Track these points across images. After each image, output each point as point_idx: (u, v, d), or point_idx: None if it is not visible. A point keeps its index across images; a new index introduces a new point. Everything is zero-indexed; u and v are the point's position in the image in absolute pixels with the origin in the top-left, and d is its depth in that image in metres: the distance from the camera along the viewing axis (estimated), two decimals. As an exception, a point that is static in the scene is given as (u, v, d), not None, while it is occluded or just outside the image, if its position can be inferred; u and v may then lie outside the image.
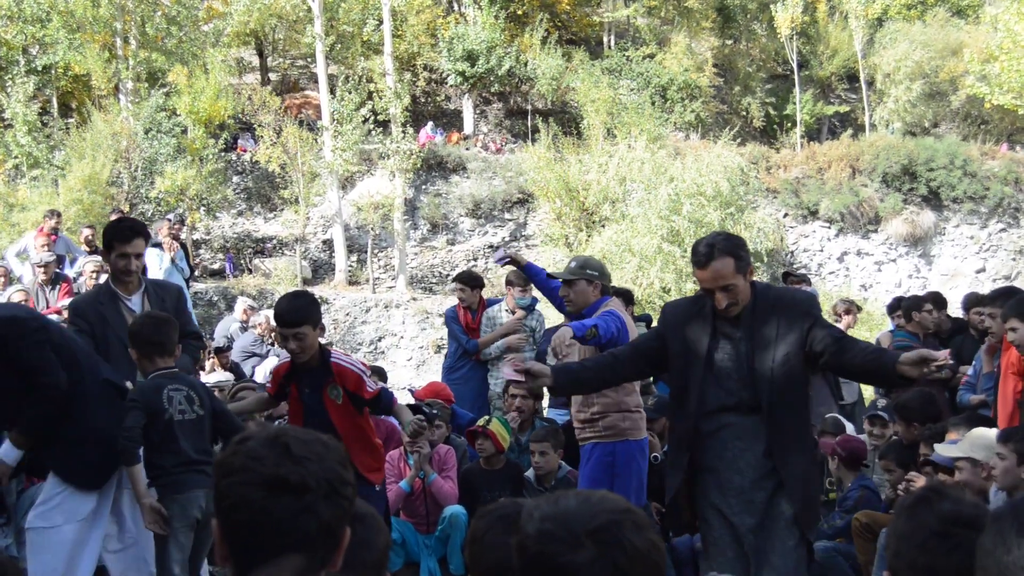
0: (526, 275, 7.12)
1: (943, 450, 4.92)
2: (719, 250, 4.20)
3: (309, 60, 31.39)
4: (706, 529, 4.34)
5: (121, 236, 5.54)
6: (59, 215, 13.68)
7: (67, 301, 10.69)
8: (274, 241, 25.54)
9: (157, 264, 12.62)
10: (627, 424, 5.76)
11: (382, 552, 2.18)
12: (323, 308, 22.19)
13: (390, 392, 5.23)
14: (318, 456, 1.74)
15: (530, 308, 8.77)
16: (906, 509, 2.20)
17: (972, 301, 8.49)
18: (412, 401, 7.65)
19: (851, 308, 10.06)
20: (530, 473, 6.55)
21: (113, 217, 13.74)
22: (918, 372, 3.88)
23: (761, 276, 21.45)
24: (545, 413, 8.70)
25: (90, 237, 13.18)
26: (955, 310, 9.99)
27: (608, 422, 5.73)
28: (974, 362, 7.00)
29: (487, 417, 6.78)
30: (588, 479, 5.79)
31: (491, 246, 26.67)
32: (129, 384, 5.01)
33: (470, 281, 9.10)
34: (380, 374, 7.89)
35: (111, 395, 4.82)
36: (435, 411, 7.06)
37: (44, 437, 4.66)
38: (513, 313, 8.66)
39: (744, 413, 4.28)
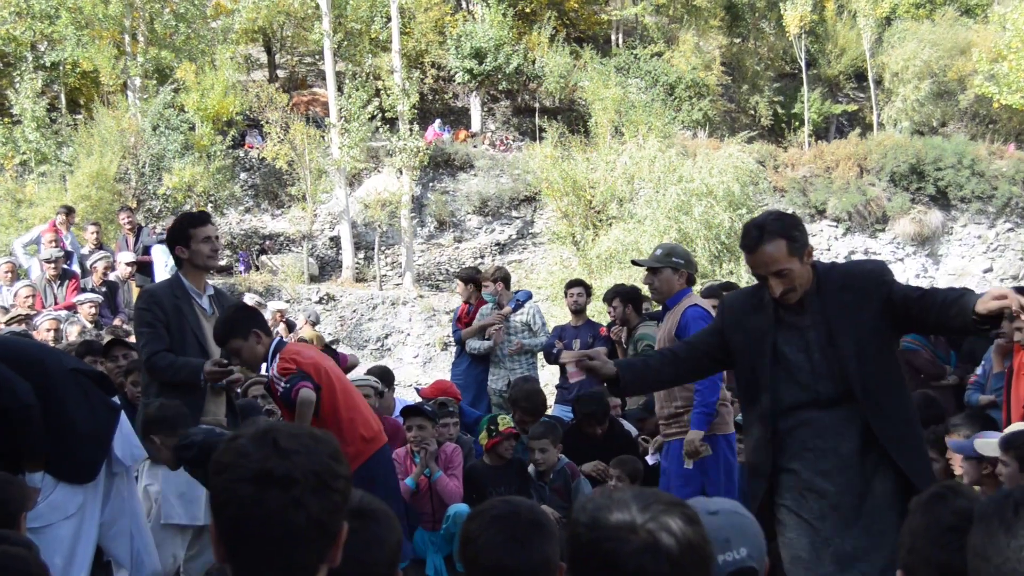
0: None
1: (983, 447, 4.80)
2: (769, 232, 3.78)
3: (317, 57, 31.40)
4: (781, 530, 3.90)
5: (197, 221, 5.50)
6: (73, 211, 13.68)
7: (81, 297, 10.72)
8: (281, 238, 25.56)
9: (164, 260, 12.62)
10: (715, 419, 5.65)
11: (394, 549, 2.18)
12: (330, 305, 22.23)
13: (288, 391, 5.04)
14: (306, 449, 1.74)
15: (520, 304, 8.84)
16: (921, 506, 2.19)
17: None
18: (418, 399, 7.69)
19: None
20: (531, 468, 6.55)
21: (123, 214, 13.78)
22: (997, 306, 3.40)
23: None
24: (551, 411, 8.72)
25: (96, 234, 13.16)
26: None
27: None
28: (983, 362, 6.96)
29: (505, 417, 6.67)
30: (678, 476, 5.64)
31: (498, 243, 26.68)
32: None
33: (467, 278, 9.29)
34: (385, 376, 7.86)
35: (82, 383, 4.74)
36: (450, 408, 7.09)
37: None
38: (500, 308, 8.77)
39: (822, 408, 3.86)
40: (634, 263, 6.56)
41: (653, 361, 4.42)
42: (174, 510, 5.24)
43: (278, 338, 5.33)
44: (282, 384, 5.04)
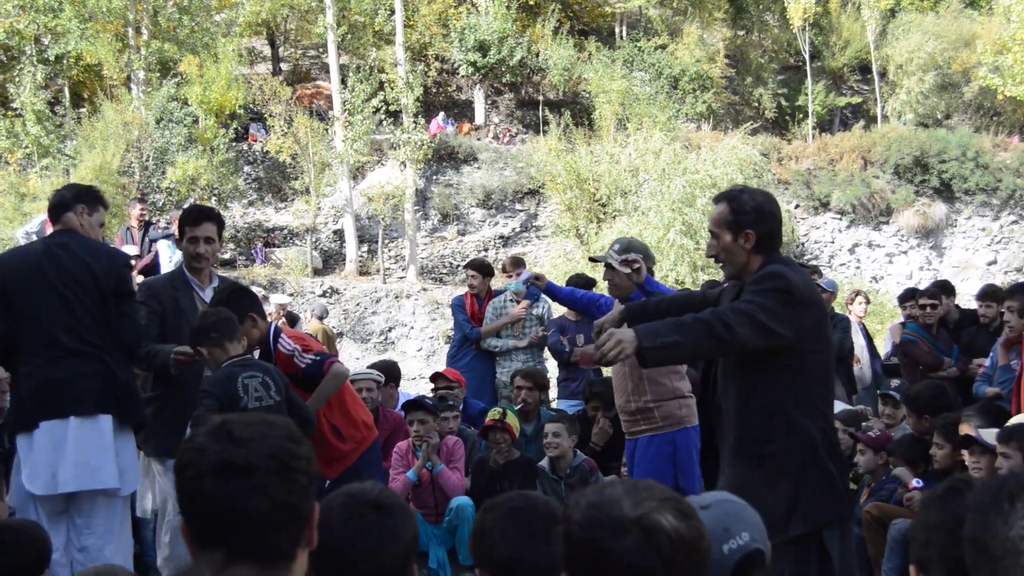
0: (550, 296, 6.88)
1: (988, 436, 4.77)
2: (727, 198, 3.77)
3: (321, 50, 31.38)
4: None
5: (189, 219, 5.47)
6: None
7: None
8: (284, 231, 25.57)
9: (168, 254, 12.60)
10: (684, 412, 5.54)
11: (409, 544, 2.17)
12: (334, 298, 22.24)
13: (319, 363, 4.97)
14: (261, 435, 1.75)
15: (536, 296, 8.76)
16: (936, 500, 2.17)
17: (987, 294, 8.47)
18: (425, 385, 7.74)
19: (856, 297, 10.13)
20: (544, 462, 6.51)
21: (139, 206, 13.73)
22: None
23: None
24: (554, 404, 8.70)
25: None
26: (968, 302, 9.96)
27: (664, 411, 5.48)
28: (991, 354, 6.99)
29: (501, 409, 6.65)
30: (649, 474, 5.45)
31: (501, 236, 26.66)
32: None
33: (482, 268, 9.13)
34: (392, 372, 7.86)
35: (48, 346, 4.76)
36: (450, 402, 7.10)
37: None
38: (518, 303, 8.65)
39: None
40: (591, 260, 6.53)
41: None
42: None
43: (275, 323, 5.31)
44: (307, 358, 4.97)
